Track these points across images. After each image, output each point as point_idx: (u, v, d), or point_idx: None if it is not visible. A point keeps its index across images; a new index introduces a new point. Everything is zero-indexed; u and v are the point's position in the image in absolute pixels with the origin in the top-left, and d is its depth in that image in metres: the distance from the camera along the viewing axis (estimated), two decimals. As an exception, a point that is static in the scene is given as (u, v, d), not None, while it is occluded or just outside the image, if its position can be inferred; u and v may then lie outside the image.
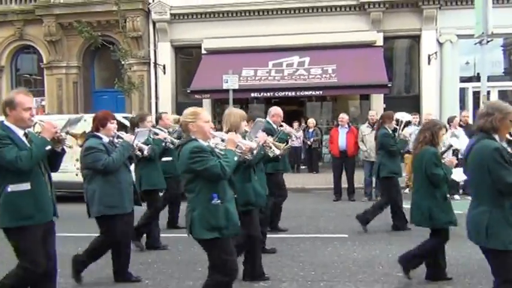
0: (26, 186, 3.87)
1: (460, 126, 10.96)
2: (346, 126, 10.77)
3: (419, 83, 16.59)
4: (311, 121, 15.66)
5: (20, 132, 3.92)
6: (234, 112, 5.08)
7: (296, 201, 10.69)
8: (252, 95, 15.46)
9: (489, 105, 3.80)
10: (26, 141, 3.90)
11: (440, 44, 16.12)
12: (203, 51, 16.65)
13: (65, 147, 4.13)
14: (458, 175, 5.12)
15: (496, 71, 17.60)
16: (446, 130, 5.66)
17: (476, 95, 15.25)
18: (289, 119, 16.30)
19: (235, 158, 3.86)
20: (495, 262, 3.50)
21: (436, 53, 15.84)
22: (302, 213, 9.38)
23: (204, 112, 4.01)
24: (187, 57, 18.19)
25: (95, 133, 5.08)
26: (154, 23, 16.91)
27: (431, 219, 4.94)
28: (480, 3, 12.53)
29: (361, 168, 11.15)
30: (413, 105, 15.63)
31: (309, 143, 15.36)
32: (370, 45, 15.95)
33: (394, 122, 8.14)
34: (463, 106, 16.23)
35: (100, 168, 4.92)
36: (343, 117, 10.84)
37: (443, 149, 5.47)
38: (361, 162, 11.32)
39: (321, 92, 15.30)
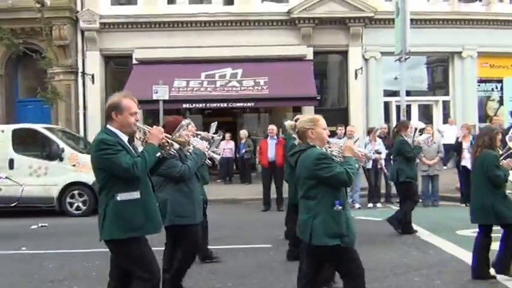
0: (136, 195, 3.67)
1: (379, 137, 11.76)
2: (275, 137, 11.26)
3: (347, 97, 17.51)
4: (242, 133, 16.10)
5: (125, 138, 3.75)
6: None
7: (225, 212, 11.01)
8: (184, 105, 15.70)
9: None
10: (131, 148, 3.76)
11: (366, 60, 17.18)
12: (134, 61, 16.73)
13: (171, 152, 3.96)
14: None
15: (420, 86, 18.98)
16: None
17: (399, 108, 16.37)
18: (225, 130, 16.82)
19: (356, 165, 3.96)
20: None
21: (361, 68, 16.85)
22: (229, 224, 9.56)
23: (322, 119, 4.03)
24: (118, 67, 18.16)
25: None
26: (82, 32, 16.79)
27: (496, 216, 5.34)
28: (399, 24, 13.64)
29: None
30: (342, 117, 16.45)
31: (237, 155, 15.83)
32: (300, 59, 16.71)
33: (409, 130, 8.67)
34: (387, 119, 17.34)
35: (175, 175, 4.77)
36: (272, 128, 11.34)
37: (500, 152, 5.82)
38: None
39: (253, 104, 15.78)
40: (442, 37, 17.49)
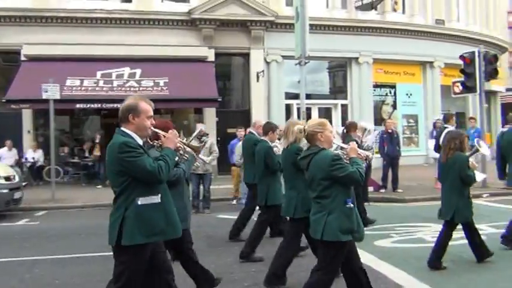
0: (157, 199, 3.65)
1: (278, 139, 11.97)
2: (173, 139, 11.05)
3: (249, 99, 17.78)
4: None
5: (140, 141, 3.68)
6: (296, 122, 5.79)
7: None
8: (78, 106, 15.06)
9: None
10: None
11: (268, 63, 17.57)
12: (22, 58, 15.80)
13: (184, 157, 4.02)
14: (479, 176, 6.17)
15: (322, 90, 19.78)
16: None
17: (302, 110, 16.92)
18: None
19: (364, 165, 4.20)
20: None
21: (263, 71, 17.19)
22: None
23: (329, 123, 4.34)
24: (6, 63, 17.06)
25: None
26: (-34, 25, 15.60)
27: (457, 214, 5.86)
28: (299, 29, 14.01)
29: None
30: (244, 119, 16.67)
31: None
32: (202, 60, 16.69)
33: (358, 131, 8.67)
34: (289, 122, 17.82)
35: (172, 179, 4.54)
36: (170, 130, 11.14)
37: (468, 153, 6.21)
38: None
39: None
40: (340, 43, 18.40)
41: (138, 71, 15.94)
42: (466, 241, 6.30)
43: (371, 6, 18.68)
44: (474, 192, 11.11)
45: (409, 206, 11.08)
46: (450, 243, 6.04)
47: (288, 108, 18.16)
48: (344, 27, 18.71)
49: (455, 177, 5.92)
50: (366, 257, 6.31)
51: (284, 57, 17.38)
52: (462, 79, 14.30)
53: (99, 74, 15.71)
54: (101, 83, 15.46)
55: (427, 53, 20.34)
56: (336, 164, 4.03)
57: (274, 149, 6.62)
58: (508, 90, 35.80)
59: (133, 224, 3.53)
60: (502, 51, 26.43)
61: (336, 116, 19.00)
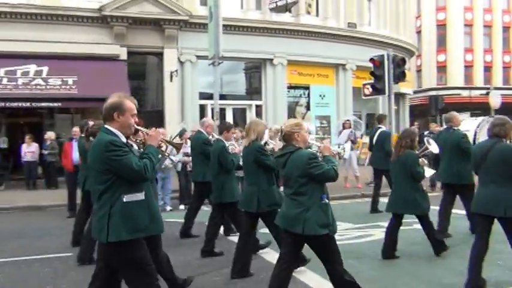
0: (141, 196, 3.74)
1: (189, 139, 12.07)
2: (80, 139, 10.83)
3: (163, 99, 17.69)
4: (48, 134, 15.22)
5: (124, 139, 3.74)
6: (259, 121, 6.21)
7: (24, 220, 10.35)
8: (-22, 104, 14.35)
9: (499, 117, 5.45)
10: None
11: (182, 63, 17.58)
12: None
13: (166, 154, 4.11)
14: (428, 172, 6.71)
15: (237, 90, 20.06)
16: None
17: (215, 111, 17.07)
18: (30, 131, 15.77)
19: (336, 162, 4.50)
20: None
21: (176, 71, 17.18)
22: (26, 234, 9.03)
23: (304, 123, 4.67)
24: None
25: None
26: None
27: (415, 207, 6.37)
28: (212, 29, 14.18)
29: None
30: (159, 119, 16.60)
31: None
32: (113, 58, 16.40)
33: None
34: (204, 122, 17.92)
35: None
36: (77, 130, 10.90)
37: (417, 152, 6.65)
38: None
39: (59, 104, 15.05)
40: (255, 44, 18.75)
41: (45, 69, 15.43)
42: (370, 238, 6.75)
43: (285, 9, 19.21)
44: (388, 191, 11.95)
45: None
46: (357, 240, 6.45)
47: (203, 108, 18.27)
48: (258, 29, 19.07)
49: (407, 173, 6.38)
50: (274, 256, 6.37)
51: (198, 57, 17.46)
52: (372, 81, 15.02)
53: (2, 71, 15.05)
54: (4, 81, 14.83)
55: (339, 56, 21.15)
56: (313, 163, 4.30)
57: (230, 147, 6.87)
58: (415, 92, 38.07)
59: (119, 220, 3.61)
60: (410, 55, 28.02)
61: (251, 116, 19.33)
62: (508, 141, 5.16)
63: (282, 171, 4.59)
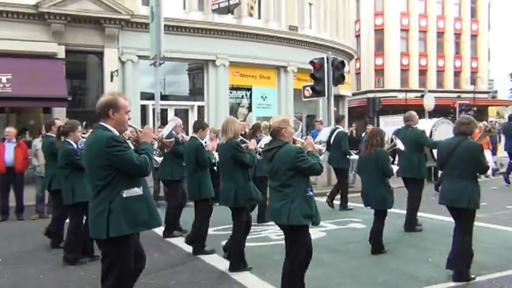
0: (140, 191, 3.83)
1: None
2: (14, 140, 10.56)
3: (103, 99, 17.37)
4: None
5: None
6: (235, 120, 6.46)
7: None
8: None
9: (465, 116, 6.05)
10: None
11: (123, 63, 17.37)
12: None
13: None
14: (394, 168, 7.16)
15: (181, 91, 20.07)
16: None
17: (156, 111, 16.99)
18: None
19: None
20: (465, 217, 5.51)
21: (117, 70, 16.96)
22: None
23: (291, 120, 4.98)
24: None
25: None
26: None
27: (382, 202, 6.79)
28: (154, 29, 14.14)
29: (32, 184, 11.04)
30: (98, 119, 16.29)
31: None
32: (51, 57, 15.97)
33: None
34: (144, 122, 17.80)
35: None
36: (10, 131, 10.63)
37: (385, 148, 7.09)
38: (32, 178, 11.19)
39: (-9, 103, 14.53)
40: (197, 45, 18.79)
41: (-23, 66, 14.82)
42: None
43: (227, 10, 19.37)
44: (322, 191, 12.19)
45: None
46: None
47: (144, 109, 18.13)
48: (201, 30, 19.12)
49: (377, 169, 6.80)
50: (211, 257, 6.69)
51: (140, 57, 17.30)
52: (312, 83, 15.44)
53: None
54: None
55: (281, 58, 21.53)
56: (300, 157, 4.59)
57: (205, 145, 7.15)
58: (354, 94, 39.24)
59: (119, 215, 3.70)
60: (349, 58, 28.89)
61: (193, 117, 19.35)
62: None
63: (267, 165, 4.82)
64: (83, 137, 6.65)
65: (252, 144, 6.46)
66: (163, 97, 18.68)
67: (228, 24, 19.84)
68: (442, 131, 10.26)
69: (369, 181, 7.01)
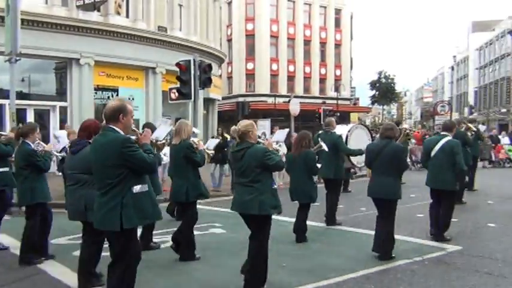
0: (146, 187, 4.31)
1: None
2: None
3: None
4: None
5: None
6: (188, 122, 7.15)
7: None
8: None
9: (389, 123, 7.57)
10: None
11: (-24, 58, 16.18)
12: None
13: None
14: (319, 165, 7.84)
15: (46, 90, 19.29)
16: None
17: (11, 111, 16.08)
18: None
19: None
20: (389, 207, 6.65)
21: (-31, 66, 15.80)
22: None
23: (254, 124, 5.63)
24: None
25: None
26: None
27: (310, 197, 7.74)
28: (10, 23, 13.41)
29: None
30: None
31: None
32: None
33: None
34: (1, 122, 16.79)
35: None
36: None
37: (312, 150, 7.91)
38: None
39: None
40: (60, 42, 18.16)
41: None
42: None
43: (93, 7, 18.96)
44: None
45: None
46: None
47: (1, 108, 17.08)
48: (65, 26, 18.48)
49: (305, 168, 7.68)
50: (59, 270, 6.23)
51: (-4, 52, 16.27)
52: (178, 86, 15.57)
53: None
54: None
55: (149, 59, 21.51)
56: (267, 155, 5.31)
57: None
58: (226, 98, 40.19)
59: (131, 210, 4.15)
60: (220, 62, 29.58)
61: (55, 118, 18.66)
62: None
63: (237, 163, 5.48)
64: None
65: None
66: (24, 96, 17.81)
67: (94, 21, 19.39)
68: (356, 135, 11.62)
69: (297, 178, 7.89)
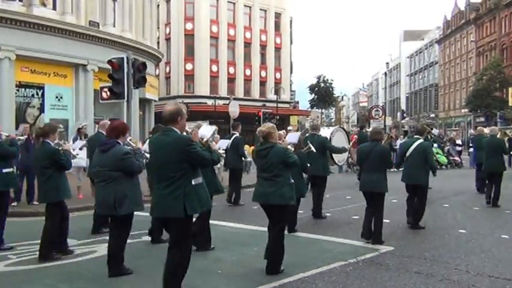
0: (201, 179, 4.89)
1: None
2: None
3: None
4: None
5: None
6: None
7: None
8: None
9: (376, 128, 9.56)
10: None
11: None
12: None
13: None
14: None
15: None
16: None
17: None
18: None
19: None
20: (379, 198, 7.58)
21: None
22: None
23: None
24: None
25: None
26: None
27: (301, 191, 8.01)
28: None
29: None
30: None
31: None
32: None
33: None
34: None
35: (136, 170, 5.95)
36: None
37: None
38: None
39: None
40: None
41: None
42: (93, 256, 6.55)
43: (14, -5, 16.99)
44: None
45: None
46: (79, 258, 6.48)
47: None
48: (-19, 16, 16.41)
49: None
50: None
51: None
52: (110, 84, 14.02)
53: None
54: None
55: (80, 55, 19.80)
56: (289, 154, 6.11)
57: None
58: (164, 99, 38.45)
59: (193, 199, 4.73)
60: (157, 61, 27.99)
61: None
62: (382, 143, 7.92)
63: (261, 160, 6.18)
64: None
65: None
66: None
67: (16, 12, 17.45)
68: (337, 136, 13.46)
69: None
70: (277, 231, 6.01)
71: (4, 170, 7.16)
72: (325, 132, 12.36)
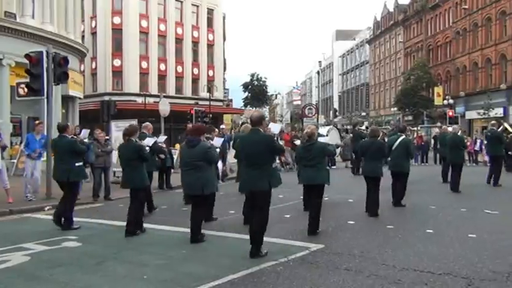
0: (276, 164, 7.73)
1: None
2: None
3: None
4: None
5: None
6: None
7: None
8: None
9: (374, 127, 13.07)
10: None
11: None
12: None
13: None
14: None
15: None
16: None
17: None
18: None
19: None
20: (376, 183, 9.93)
21: None
22: None
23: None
24: None
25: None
26: None
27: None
28: None
29: None
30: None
31: None
32: None
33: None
34: None
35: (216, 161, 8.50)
36: None
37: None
38: None
39: None
40: None
41: None
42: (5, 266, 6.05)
43: None
44: (37, 206, 11.27)
45: None
46: None
47: None
48: None
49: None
50: None
51: None
52: (28, 80, 13.26)
53: None
54: None
55: (-6, 49, 18.60)
56: (327, 147, 8.46)
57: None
58: (90, 96, 37.19)
59: (274, 178, 6.78)
60: (82, 56, 26.92)
61: None
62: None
63: (307, 153, 8.24)
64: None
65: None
66: None
67: None
68: (332, 134, 16.22)
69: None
70: (318, 203, 8.11)
71: (76, 164, 9.00)
72: (321, 131, 14.45)
